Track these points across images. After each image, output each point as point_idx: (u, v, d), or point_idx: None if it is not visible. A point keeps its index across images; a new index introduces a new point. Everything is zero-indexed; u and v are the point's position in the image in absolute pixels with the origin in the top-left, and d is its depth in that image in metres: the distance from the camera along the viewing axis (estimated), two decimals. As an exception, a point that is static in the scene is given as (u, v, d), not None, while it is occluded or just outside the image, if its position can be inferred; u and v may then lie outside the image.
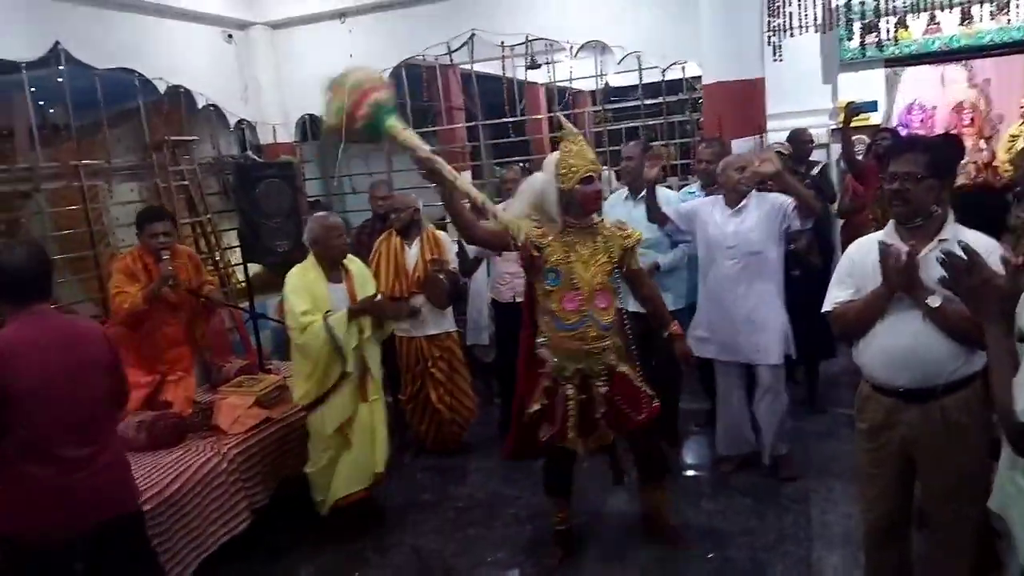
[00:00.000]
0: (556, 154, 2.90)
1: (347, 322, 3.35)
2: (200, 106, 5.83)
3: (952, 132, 6.33)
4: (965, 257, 1.58)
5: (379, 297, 3.54)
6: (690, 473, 4.10)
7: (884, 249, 2.21)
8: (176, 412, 3.52)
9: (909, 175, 2.19)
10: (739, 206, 3.60)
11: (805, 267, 4.19)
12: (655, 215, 3.82)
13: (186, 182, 5.60)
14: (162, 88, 5.45)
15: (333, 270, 3.52)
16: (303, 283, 3.44)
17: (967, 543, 2.29)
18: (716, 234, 3.66)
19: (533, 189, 2.92)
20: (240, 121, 6.21)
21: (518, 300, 4.36)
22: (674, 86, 6.25)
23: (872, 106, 5.00)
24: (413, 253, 4.24)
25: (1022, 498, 1.54)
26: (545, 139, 7.51)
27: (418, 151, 2.75)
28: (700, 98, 5.55)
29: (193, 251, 4.35)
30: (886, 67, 6.24)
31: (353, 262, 3.62)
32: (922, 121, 7.25)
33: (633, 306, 3.27)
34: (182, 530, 3.09)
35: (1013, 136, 6.18)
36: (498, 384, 4.99)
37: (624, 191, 4.26)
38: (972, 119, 7.10)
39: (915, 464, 2.32)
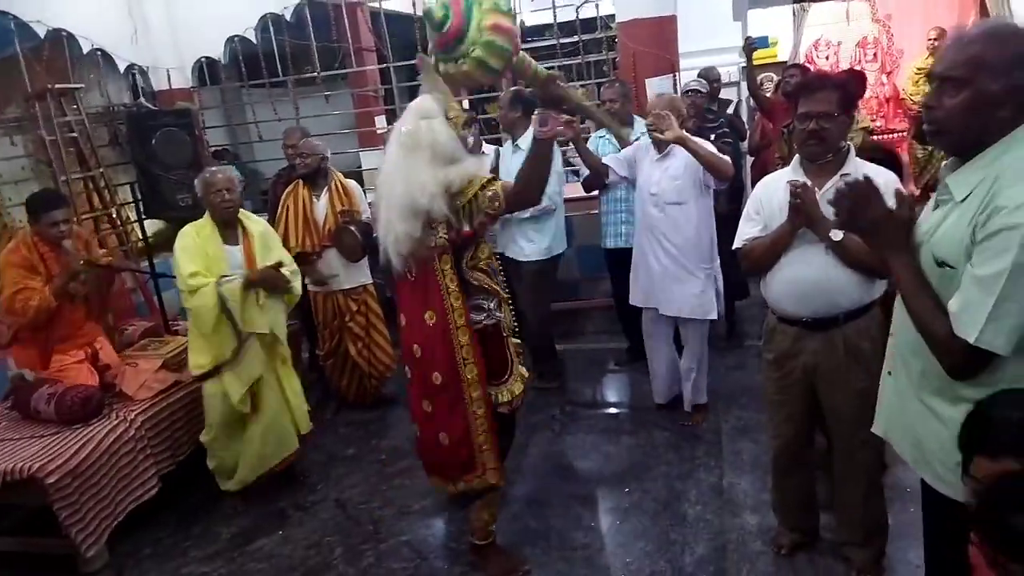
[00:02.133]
0: (431, 98, 2.38)
1: (241, 292, 3.12)
2: (85, 51, 5.38)
3: (856, 68, 6.52)
4: (861, 190, 1.58)
5: (284, 266, 3.27)
6: (610, 411, 4.19)
7: (792, 187, 2.25)
8: (87, 385, 3.32)
9: (823, 114, 2.21)
10: (665, 152, 3.51)
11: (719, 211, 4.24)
12: (593, 166, 3.79)
13: (74, 134, 5.20)
14: (42, 32, 4.99)
15: (228, 230, 3.29)
16: (195, 243, 3.21)
17: (869, 464, 2.43)
18: (643, 181, 3.60)
19: (441, 140, 2.34)
20: (131, 66, 5.78)
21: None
22: (589, 25, 6.15)
23: (763, 42, 5.05)
24: (322, 204, 4.08)
25: (932, 418, 1.58)
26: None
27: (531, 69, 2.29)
28: (615, 37, 5.48)
29: (83, 229, 4.00)
30: (793, 3, 6.31)
31: (256, 223, 3.41)
32: (827, 58, 7.42)
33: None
34: (91, 500, 2.99)
35: (920, 69, 6.37)
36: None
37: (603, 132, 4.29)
38: (875, 54, 7.30)
39: (818, 391, 2.42)
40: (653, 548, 2.83)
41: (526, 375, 2.67)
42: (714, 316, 3.63)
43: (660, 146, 3.50)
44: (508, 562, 2.77)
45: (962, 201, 1.48)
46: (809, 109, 2.24)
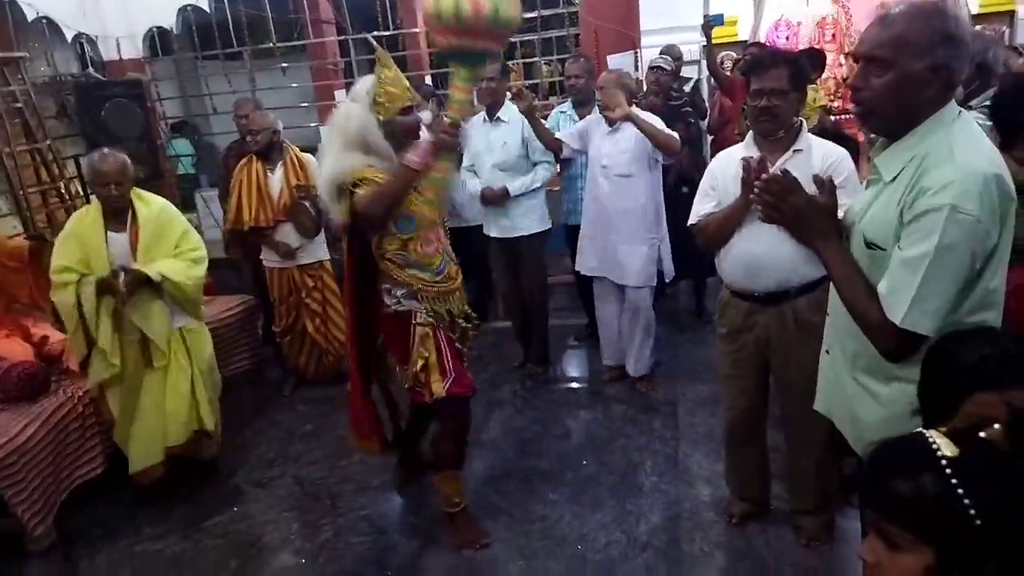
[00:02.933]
0: (369, 80, 2.50)
1: (95, 293, 2.92)
2: (30, 18, 5.17)
3: (815, 47, 6.57)
4: (779, 184, 1.57)
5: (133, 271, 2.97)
6: (571, 386, 4.22)
7: (744, 163, 2.27)
8: (33, 362, 3.21)
9: (775, 91, 2.24)
10: (615, 127, 3.58)
11: (692, 185, 4.26)
12: (547, 141, 3.78)
13: (19, 104, 5.01)
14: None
15: (116, 216, 3.01)
16: (75, 230, 2.99)
17: (818, 436, 2.47)
18: (595, 153, 3.68)
19: (352, 126, 2.45)
20: (78, 35, 5.57)
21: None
22: (551, 0, 6.11)
23: (719, 19, 5.07)
24: (277, 178, 4.00)
25: (867, 397, 1.60)
26: (423, 55, 7.22)
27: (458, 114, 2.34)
28: (576, 12, 5.46)
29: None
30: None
31: (148, 206, 3.07)
32: (787, 38, 7.47)
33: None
34: (37, 478, 2.93)
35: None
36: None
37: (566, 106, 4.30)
38: (833, 35, 7.37)
39: (770, 365, 2.46)
40: (609, 519, 2.87)
41: (453, 373, 2.62)
42: (653, 283, 3.75)
43: (610, 120, 3.56)
44: (471, 532, 2.80)
45: (891, 181, 1.48)
46: (762, 86, 2.27)
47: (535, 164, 3.94)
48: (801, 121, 2.34)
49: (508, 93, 3.89)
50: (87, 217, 3.03)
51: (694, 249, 3.73)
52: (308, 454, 3.63)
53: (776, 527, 2.70)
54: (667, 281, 3.98)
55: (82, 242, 2.97)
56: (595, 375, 4.16)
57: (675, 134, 3.52)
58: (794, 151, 2.28)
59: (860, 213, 1.56)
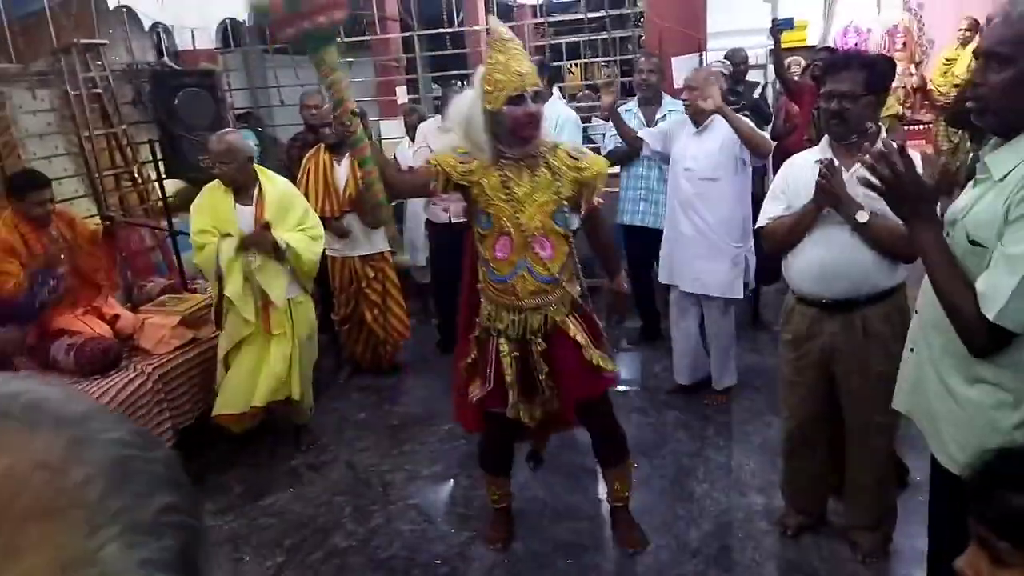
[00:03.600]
0: (482, 68, 2.33)
1: (234, 250, 3.21)
2: (112, 7, 5.38)
3: (884, 54, 6.41)
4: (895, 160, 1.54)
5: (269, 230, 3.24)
6: (622, 389, 4.19)
7: (820, 166, 2.23)
8: (106, 337, 3.36)
9: (847, 94, 2.19)
10: (703, 127, 3.44)
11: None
12: (628, 138, 3.78)
13: (98, 90, 5.21)
14: (67, -14, 4.99)
15: (242, 190, 3.30)
16: (208, 201, 3.30)
17: (883, 448, 2.43)
18: (678, 155, 3.52)
19: (459, 112, 2.37)
20: (155, 24, 5.78)
21: (454, 221, 4.31)
22: (617, 1, 6.09)
23: (788, 23, 4.96)
24: (343, 170, 4.08)
25: (948, 397, 1.58)
26: (485, 52, 7.25)
27: (338, 96, 2.28)
28: (642, 13, 5.42)
29: (67, 209, 3.81)
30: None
31: (273, 184, 3.38)
32: (856, 44, 7.30)
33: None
34: (107, 451, 3.02)
35: (948, 60, 6.26)
36: (435, 305, 4.97)
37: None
38: (904, 43, 7.18)
39: (834, 374, 2.41)
40: (659, 523, 2.85)
41: (488, 386, 2.48)
42: (739, 295, 3.59)
43: (698, 120, 3.43)
44: (633, 532, 2.75)
45: (1000, 180, 1.46)
46: (833, 88, 2.23)
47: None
48: (880, 126, 2.28)
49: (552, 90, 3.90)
50: (217, 190, 3.32)
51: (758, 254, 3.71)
52: (360, 441, 3.70)
53: (831, 542, 2.65)
54: (751, 292, 3.79)
55: (214, 212, 3.27)
56: (647, 379, 4.13)
57: (765, 134, 3.38)
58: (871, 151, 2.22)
59: (964, 210, 1.55)
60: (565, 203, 2.38)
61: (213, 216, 3.26)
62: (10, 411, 0.34)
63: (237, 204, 3.30)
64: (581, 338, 2.43)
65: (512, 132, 2.28)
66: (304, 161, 4.14)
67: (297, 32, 2.13)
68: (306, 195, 4.00)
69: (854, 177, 2.21)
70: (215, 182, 3.34)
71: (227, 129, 3.50)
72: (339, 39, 2.31)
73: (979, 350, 1.47)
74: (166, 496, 0.36)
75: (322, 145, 4.12)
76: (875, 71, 2.22)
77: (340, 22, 2.20)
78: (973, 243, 1.49)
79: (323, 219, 4.04)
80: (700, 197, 3.46)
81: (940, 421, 1.62)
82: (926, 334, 1.67)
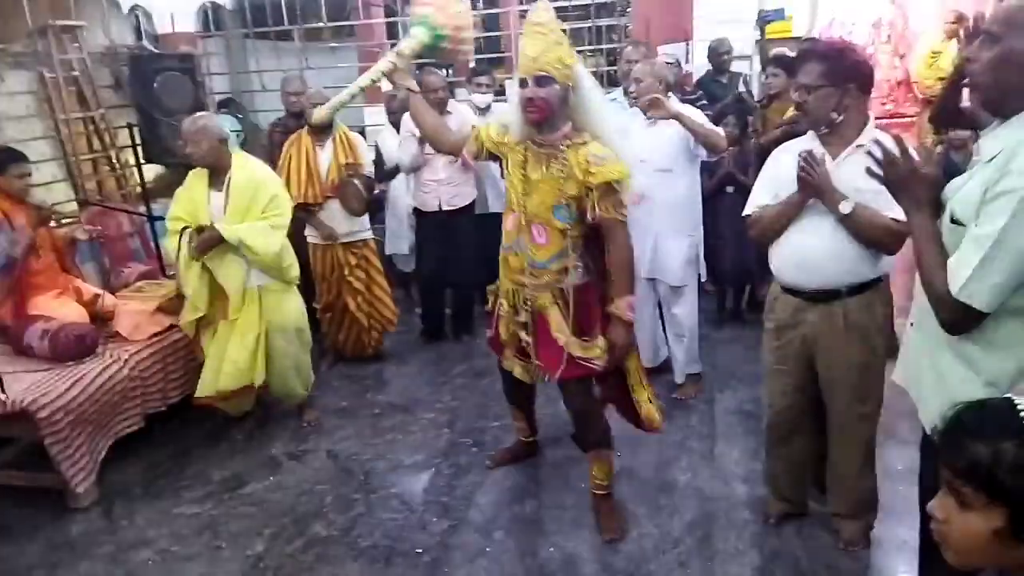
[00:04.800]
0: None
1: (180, 247, 3.27)
2: (88, -12, 5.27)
3: (869, 49, 6.42)
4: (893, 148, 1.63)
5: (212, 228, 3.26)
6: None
7: (801, 156, 2.22)
8: (82, 323, 3.31)
9: (805, 85, 2.20)
10: (653, 119, 3.42)
11: (738, 186, 4.15)
12: None
13: (75, 72, 5.11)
14: (43, -33, 4.87)
15: (217, 175, 3.31)
16: (189, 184, 3.35)
17: (864, 438, 2.44)
18: (634, 146, 3.55)
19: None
20: (134, 7, 5.67)
21: (444, 208, 4.27)
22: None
23: (779, 14, 4.96)
24: (326, 156, 4.02)
25: (933, 371, 1.65)
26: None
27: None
28: (629, 2, 5.40)
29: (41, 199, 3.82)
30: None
31: (244, 170, 3.32)
32: (840, 37, 7.30)
33: None
34: (81, 436, 3.02)
35: (935, 53, 6.27)
36: (419, 294, 4.94)
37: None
38: (889, 36, 7.19)
39: (816, 362, 2.41)
40: (642, 512, 2.85)
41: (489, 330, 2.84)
42: (692, 282, 3.66)
43: (648, 113, 3.43)
44: (611, 520, 2.76)
45: (988, 162, 1.50)
46: (797, 80, 2.25)
47: None
48: (868, 116, 2.27)
49: None
50: (198, 174, 3.33)
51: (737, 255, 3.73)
52: (342, 429, 3.67)
53: (813, 530, 2.66)
54: (702, 282, 3.86)
55: (190, 197, 3.30)
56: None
57: (721, 131, 3.42)
58: (857, 146, 2.22)
59: (955, 191, 1.60)
60: (568, 201, 2.41)
61: (188, 201, 3.29)
62: None
63: (211, 190, 3.30)
64: (557, 326, 2.52)
65: (521, 113, 2.39)
66: (286, 147, 4.08)
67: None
68: (288, 181, 3.95)
69: (839, 167, 2.22)
70: (201, 168, 3.34)
71: (202, 112, 3.52)
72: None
73: (949, 325, 1.55)
74: None
75: (303, 130, 4.05)
76: (834, 63, 2.18)
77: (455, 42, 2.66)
78: (955, 222, 1.53)
79: (306, 208, 4.01)
80: (655, 188, 3.47)
81: (929, 395, 1.67)
82: (922, 311, 1.71)
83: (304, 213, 4.05)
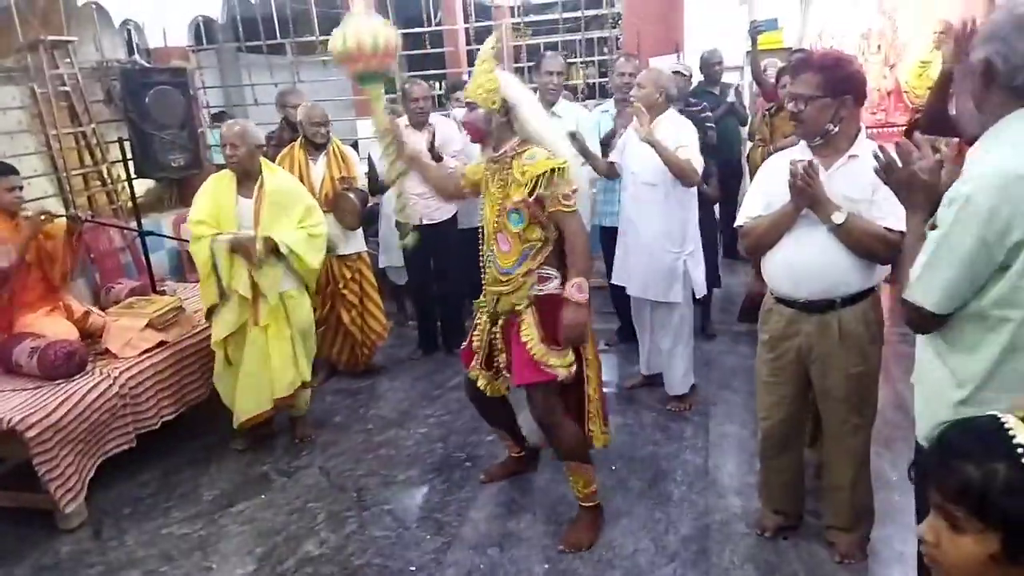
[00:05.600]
0: None
1: (227, 252, 3.24)
2: (80, 4, 5.26)
3: (860, 59, 6.45)
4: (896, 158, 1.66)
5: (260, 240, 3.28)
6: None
7: (792, 166, 2.22)
8: (71, 340, 3.27)
9: (801, 96, 2.20)
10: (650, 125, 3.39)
11: (701, 197, 4.15)
12: (603, 171, 3.72)
13: (66, 87, 5.10)
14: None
15: (246, 182, 3.33)
16: (212, 190, 3.34)
17: (858, 449, 2.42)
18: (628, 158, 3.55)
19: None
20: (126, 21, 5.66)
21: (426, 222, 4.25)
22: (594, 1, 6.09)
23: (772, 24, 4.99)
24: (319, 170, 4.01)
25: (920, 374, 1.66)
26: (462, 52, 7.22)
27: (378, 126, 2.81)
28: (620, 14, 5.42)
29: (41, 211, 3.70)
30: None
31: (275, 177, 3.37)
32: (831, 47, 7.34)
33: None
34: (70, 455, 2.98)
35: (924, 62, 6.30)
36: (412, 306, 4.92)
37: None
38: (879, 46, 7.23)
39: (811, 373, 2.40)
40: (637, 526, 2.82)
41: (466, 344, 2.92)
42: (677, 300, 3.58)
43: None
44: (574, 532, 2.77)
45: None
46: (791, 91, 2.25)
47: None
48: (860, 127, 2.27)
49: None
50: (223, 179, 3.33)
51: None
52: (335, 445, 3.63)
53: (809, 542, 2.63)
54: (697, 298, 3.81)
55: (215, 201, 3.29)
56: (625, 380, 4.11)
57: (696, 164, 3.35)
58: (849, 156, 2.22)
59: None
60: (517, 206, 2.52)
61: (214, 206, 3.28)
62: None
63: (239, 196, 3.30)
64: (528, 330, 2.60)
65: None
66: (278, 160, 4.05)
67: (359, 69, 2.65)
68: None
69: (831, 178, 2.21)
70: (224, 171, 3.36)
71: (237, 119, 3.68)
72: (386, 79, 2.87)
73: (909, 323, 1.58)
74: None
75: (296, 143, 4.04)
76: (830, 74, 2.18)
77: (388, 68, 2.73)
78: (931, 226, 1.55)
79: None
80: (641, 200, 3.49)
81: (917, 393, 1.68)
82: None
83: None
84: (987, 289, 1.44)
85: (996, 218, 1.37)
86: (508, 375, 2.75)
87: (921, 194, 1.61)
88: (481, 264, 2.73)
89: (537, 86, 4.14)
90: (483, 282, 2.75)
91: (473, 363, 2.83)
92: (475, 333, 2.83)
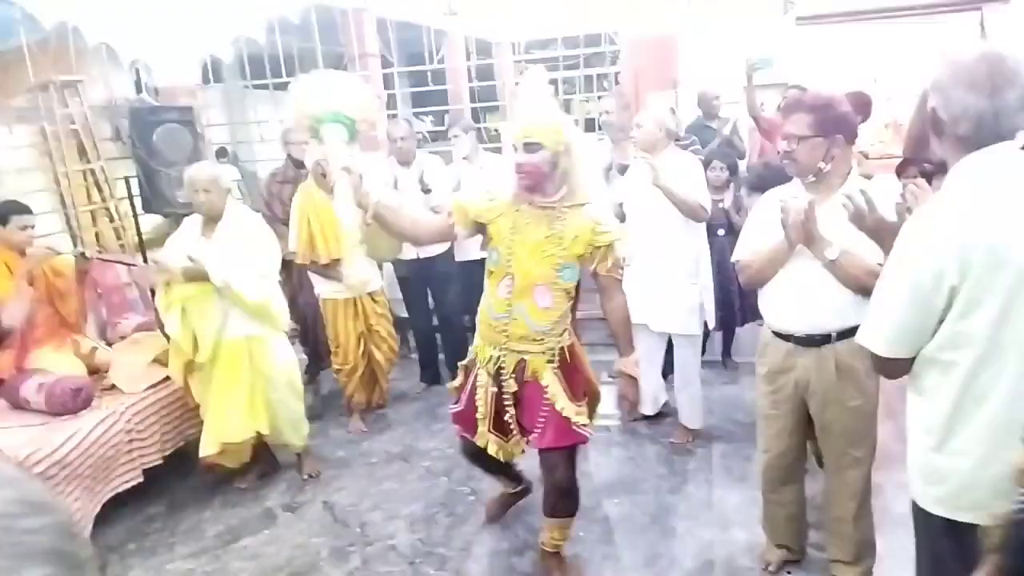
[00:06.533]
0: None
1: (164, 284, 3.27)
2: (91, 44, 5.38)
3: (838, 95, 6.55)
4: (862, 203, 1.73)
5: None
6: (603, 423, 4.18)
7: (783, 204, 2.26)
8: (79, 376, 3.31)
9: (793, 135, 2.25)
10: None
11: (731, 228, 4.11)
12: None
13: (75, 126, 5.20)
14: (48, 24, 4.99)
15: (209, 224, 3.30)
16: (180, 231, 3.40)
17: (859, 481, 2.43)
18: (638, 192, 3.55)
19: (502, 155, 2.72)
20: (134, 61, 5.77)
21: (421, 256, 4.28)
22: (593, 39, 6.21)
23: (767, 63, 5.08)
24: (342, 203, 3.79)
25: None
26: (463, 89, 7.35)
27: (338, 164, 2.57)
28: (618, 51, 5.53)
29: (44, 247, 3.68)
30: (797, 23, 6.35)
31: (234, 219, 3.29)
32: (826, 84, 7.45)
33: None
34: (76, 490, 2.98)
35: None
36: (415, 338, 4.94)
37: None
38: (875, 79, 7.34)
39: (810, 406, 2.42)
40: (641, 561, 2.82)
41: (459, 405, 2.72)
42: (695, 332, 3.60)
43: (647, 153, 3.49)
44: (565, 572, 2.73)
45: None
46: (785, 130, 2.30)
47: None
48: (852, 164, 2.32)
49: None
50: (193, 221, 3.37)
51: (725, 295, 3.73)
52: (338, 480, 3.64)
53: (813, 576, 2.64)
54: (709, 329, 3.83)
55: (179, 244, 3.31)
56: (628, 413, 4.11)
57: (704, 203, 3.42)
58: (843, 194, 2.26)
59: None
60: (573, 261, 2.41)
61: (177, 249, 3.28)
62: None
63: (202, 237, 3.29)
64: (554, 388, 2.46)
65: (516, 180, 2.41)
66: (297, 202, 3.86)
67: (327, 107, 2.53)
68: (312, 239, 3.78)
69: (824, 214, 2.25)
70: (195, 215, 3.35)
71: (203, 161, 3.60)
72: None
73: (875, 368, 1.65)
74: (38, 568, 0.36)
75: (309, 183, 3.86)
76: (822, 114, 2.22)
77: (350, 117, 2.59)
78: None
79: (324, 264, 3.82)
80: (654, 234, 3.49)
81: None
82: None
83: (323, 269, 3.87)
84: (936, 333, 1.46)
85: (929, 265, 1.40)
86: (521, 436, 2.59)
87: (891, 239, 1.61)
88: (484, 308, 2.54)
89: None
90: (490, 336, 2.51)
91: (481, 429, 2.60)
92: (477, 397, 2.57)
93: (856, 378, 2.31)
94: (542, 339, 2.45)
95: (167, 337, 3.36)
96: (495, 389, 2.53)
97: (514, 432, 2.60)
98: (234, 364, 3.30)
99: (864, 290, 2.23)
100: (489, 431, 2.60)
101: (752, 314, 4.47)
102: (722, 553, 2.83)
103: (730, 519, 3.05)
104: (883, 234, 1.69)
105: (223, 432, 3.31)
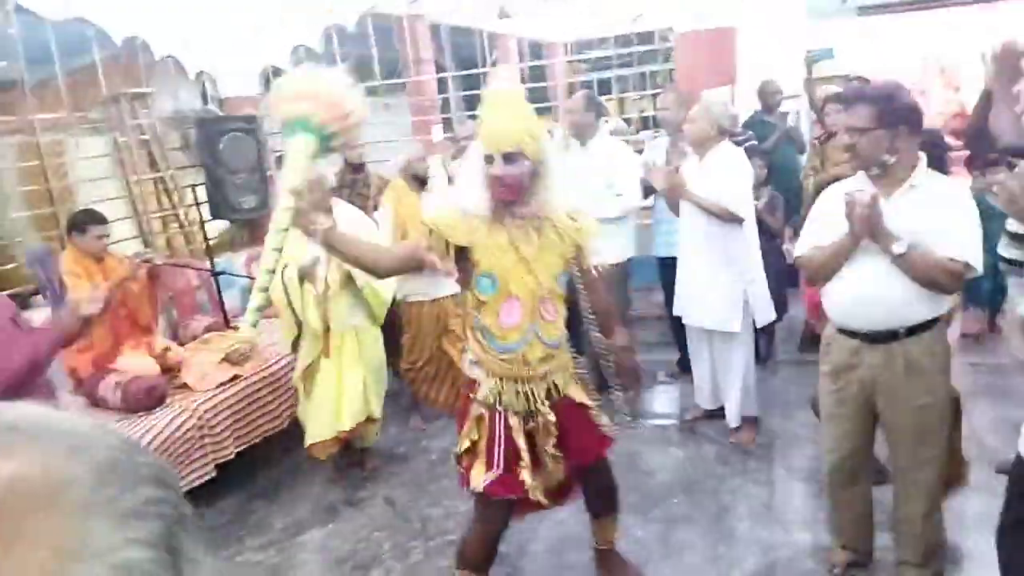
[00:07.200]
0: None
1: (298, 283, 3.27)
2: (158, 57, 5.62)
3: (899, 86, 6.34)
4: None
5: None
6: (659, 422, 4.16)
7: (848, 198, 2.22)
8: (152, 375, 3.47)
9: (856, 128, 2.20)
10: (704, 158, 3.45)
11: (762, 228, 3.99)
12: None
13: (145, 136, 5.44)
14: (118, 39, 5.23)
15: None
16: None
17: (929, 482, 2.36)
18: (690, 184, 3.52)
19: (470, 163, 2.23)
20: (200, 73, 6.00)
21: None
22: (647, 36, 6.17)
23: (828, 54, 4.97)
24: (434, 204, 3.81)
25: None
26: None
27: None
28: (672, 48, 5.49)
29: (120, 254, 3.90)
30: (859, 15, 6.20)
31: (343, 215, 3.32)
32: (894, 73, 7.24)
33: None
34: (151, 487, 3.09)
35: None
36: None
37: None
38: (942, 69, 7.11)
39: (877, 405, 2.36)
40: (700, 562, 2.80)
41: (499, 469, 2.25)
42: (735, 330, 3.52)
43: (698, 151, 3.48)
44: (626, 569, 2.70)
45: None
46: (846, 123, 2.25)
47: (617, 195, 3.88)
48: (919, 156, 2.26)
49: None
50: None
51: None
52: (398, 476, 3.71)
53: (881, 580, 2.57)
54: (759, 328, 3.76)
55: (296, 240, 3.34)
56: (685, 412, 4.08)
57: (739, 207, 3.35)
58: (910, 186, 2.21)
59: None
60: (567, 264, 2.28)
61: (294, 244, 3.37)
62: (19, 426, 0.42)
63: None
64: (587, 399, 2.39)
65: (490, 191, 2.13)
66: (389, 204, 3.93)
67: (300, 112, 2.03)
68: (404, 237, 3.78)
69: (891, 208, 2.20)
70: None
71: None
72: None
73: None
74: (149, 489, 0.42)
75: (398, 184, 3.97)
76: (885, 105, 2.17)
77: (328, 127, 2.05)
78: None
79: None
80: (698, 229, 3.46)
81: None
82: None
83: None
84: None
85: None
86: (563, 459, 2.32)
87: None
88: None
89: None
90: (505, 372, 2.22)
91: (530, 482, 2.22)
92: (512, 446, 2.22)
93: (926, 376, 2.24)
94: (557, 354, 2.29)
95: (299, 327, 3.39)
96: (529, 426, 2.26)
97: (548, 465, 2.31)
98: (349, 352, 3.43)
99: (933, 285, 2.17)
100: (533, 480, 2.24)
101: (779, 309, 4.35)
102: (785, 555, 2.78)
103: (793, 519, 2.99)
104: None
105: (345, 418, 3.39)
